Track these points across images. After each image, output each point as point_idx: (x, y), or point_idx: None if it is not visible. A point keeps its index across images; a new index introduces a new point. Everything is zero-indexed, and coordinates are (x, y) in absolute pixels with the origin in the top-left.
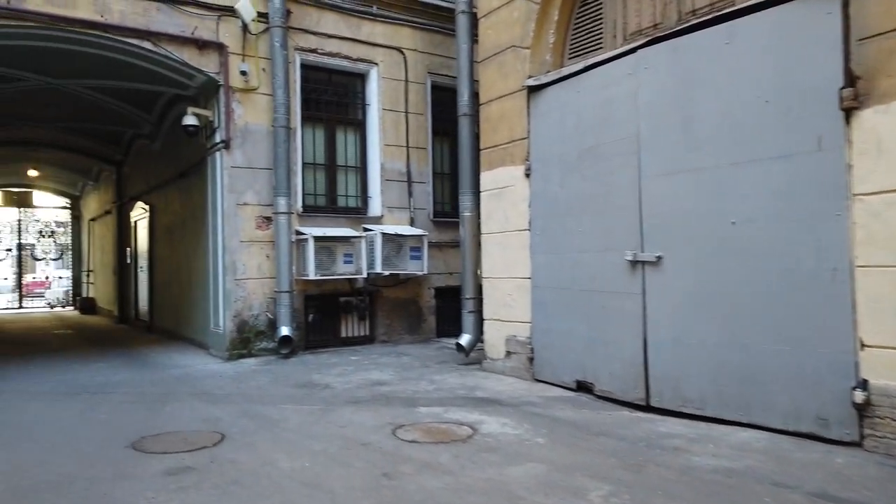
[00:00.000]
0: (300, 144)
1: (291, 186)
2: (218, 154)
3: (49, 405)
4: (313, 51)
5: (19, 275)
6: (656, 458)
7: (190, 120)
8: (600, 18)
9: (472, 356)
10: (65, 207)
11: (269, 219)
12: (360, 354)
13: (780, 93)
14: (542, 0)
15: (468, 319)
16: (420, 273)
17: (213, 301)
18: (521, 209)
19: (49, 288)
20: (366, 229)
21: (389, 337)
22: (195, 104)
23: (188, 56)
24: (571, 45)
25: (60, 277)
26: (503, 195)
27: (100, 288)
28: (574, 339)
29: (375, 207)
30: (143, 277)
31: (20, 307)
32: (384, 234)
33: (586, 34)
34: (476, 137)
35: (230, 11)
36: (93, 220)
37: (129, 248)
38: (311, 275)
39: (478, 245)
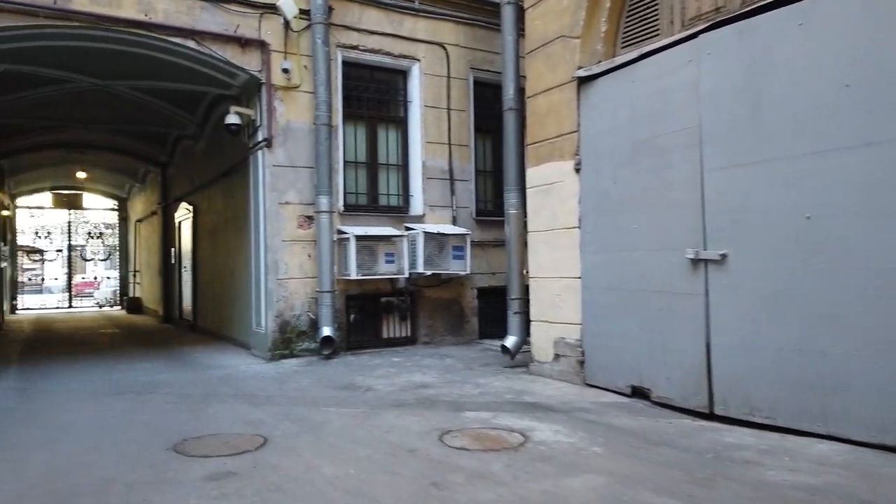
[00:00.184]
0: (342, 142)
1: (333, 185)
2: (260, 153)
3: (93, 405)
4: (355, 47)
5: (69, 275)
6: (726, 471)
7: (232, 119)
8: (656, 4)
9: (518, 359)
10: (112, 209)
11: (310, 218)
12: (402, 356)
13: (862, 76)
14: None
15: (514, 321)
16: (463, 273)
17: (255, 301)
18: (570, 206)
19: (98, 288)
20: (407, 228)
21: (431, 338)
22: (237, 103)
23: (231, 54)
24: (624, 33)
25: (108, 278)
26: (551, 191)
27: (146, 288)
28: (629, 342)
29: (417, 206)
30: (186, 277)
31: (70, 307)
32: (426, 233)
33: (641, 21)
34: (521, 133)
35: (272, 9)
36: (139, 221)
37: (173, 249)
38: (353, 274)
39: (524, 244)
